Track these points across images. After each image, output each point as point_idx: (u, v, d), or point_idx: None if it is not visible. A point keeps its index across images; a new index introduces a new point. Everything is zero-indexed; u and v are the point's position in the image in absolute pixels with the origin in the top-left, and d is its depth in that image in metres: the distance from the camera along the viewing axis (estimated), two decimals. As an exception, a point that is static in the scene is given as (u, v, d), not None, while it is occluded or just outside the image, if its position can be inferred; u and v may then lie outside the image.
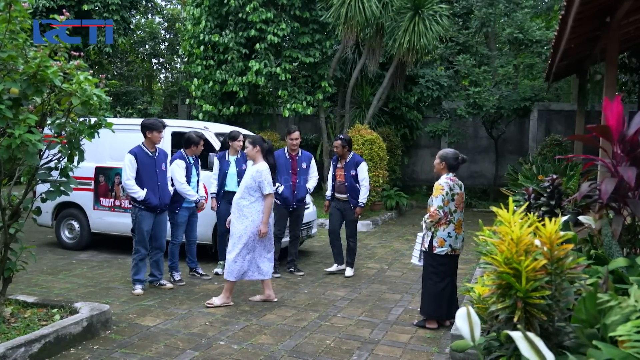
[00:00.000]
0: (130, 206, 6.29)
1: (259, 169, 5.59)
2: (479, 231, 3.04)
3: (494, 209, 2.37)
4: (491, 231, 2.92)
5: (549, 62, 10.29)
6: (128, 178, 5.92)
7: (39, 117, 4.07)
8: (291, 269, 7.22)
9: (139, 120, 8.52)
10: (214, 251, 7.58)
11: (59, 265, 7.31)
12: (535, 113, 15.17)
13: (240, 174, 6.71)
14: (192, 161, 6.70)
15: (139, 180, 5.96)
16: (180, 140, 7.87)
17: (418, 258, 5.38)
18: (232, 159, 6.94)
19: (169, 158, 6.57)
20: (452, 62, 14.95)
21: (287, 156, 7.15)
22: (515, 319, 2.12)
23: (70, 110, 4.44)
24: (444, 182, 5.07)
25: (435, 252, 5.06)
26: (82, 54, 4.47)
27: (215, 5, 12.22)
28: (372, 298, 6.14)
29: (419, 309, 5.54)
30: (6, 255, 4.53)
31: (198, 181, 6.80)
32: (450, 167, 5.14)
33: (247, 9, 11.73)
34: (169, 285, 6.35)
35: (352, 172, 7.04)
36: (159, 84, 24.47)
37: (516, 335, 1.45)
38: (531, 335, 1.46)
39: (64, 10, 4.20)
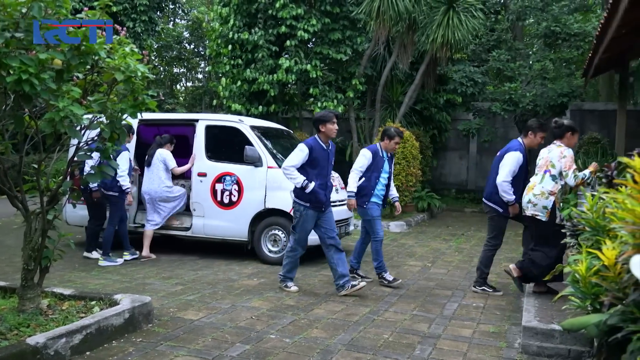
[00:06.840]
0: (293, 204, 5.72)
1: None
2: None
3: (623, 159, 2.03)
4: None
5: (590, 55, 9.84)
6: (292, 165, 5.48)
7: (81, 93, 3.82)
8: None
9: (177, 115, 8.30)
10: (249, 248, 7.30)
11: (91, 262, 7.10)
12: (567, 113, 14.66)
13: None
14: (386, 156, 6.19)
15: (312, 173, 5.55)
16: (214, 135, 7.65)
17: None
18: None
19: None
20: (484, 60, 14.55)
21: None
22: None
23: (112, 89, 4.21)
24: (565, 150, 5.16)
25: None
26: (125, 28, 4.23)
27: (244, 3, 12.02)
28: (421, 294, 5.79)
29: (474, 304, 5.39)
30: (44, 242, 4.27)
31: (389, 177, 6.25)
32: (555, 135, 5.29)
33: (277, 5, 11.51)
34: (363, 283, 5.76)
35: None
36: (180, 89, 24.40)
37: None
38: None
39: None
